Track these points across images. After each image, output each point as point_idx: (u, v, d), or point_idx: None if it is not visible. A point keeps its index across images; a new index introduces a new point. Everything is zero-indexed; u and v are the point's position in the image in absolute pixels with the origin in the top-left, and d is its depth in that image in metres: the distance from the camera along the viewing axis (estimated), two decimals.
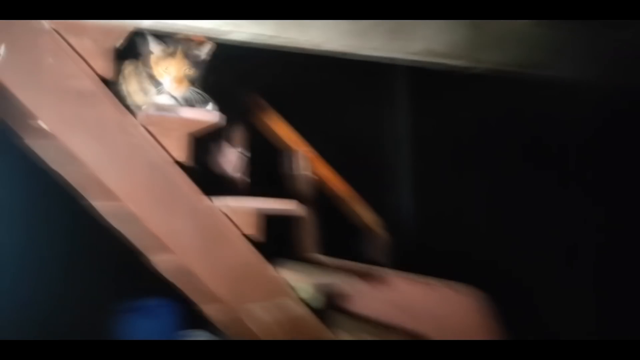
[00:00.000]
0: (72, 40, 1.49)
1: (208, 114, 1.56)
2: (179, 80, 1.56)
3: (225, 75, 2.06)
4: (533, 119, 2.64)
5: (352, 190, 2.85)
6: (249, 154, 2.40)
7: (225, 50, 1.55)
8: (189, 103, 1.58)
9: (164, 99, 1.55)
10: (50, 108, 1.45)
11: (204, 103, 1.61)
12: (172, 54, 1.56)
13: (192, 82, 1.59)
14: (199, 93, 1.58)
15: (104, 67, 1.54)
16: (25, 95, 1.43)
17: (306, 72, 2.78)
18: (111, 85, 1.56)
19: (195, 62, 1.58)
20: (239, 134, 2.43)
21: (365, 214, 2.94)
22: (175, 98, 1.56)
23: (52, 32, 1.45)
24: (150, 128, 1.57)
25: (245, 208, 1.66)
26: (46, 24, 1.44)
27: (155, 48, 1.57)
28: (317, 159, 2.73)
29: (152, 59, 1.57)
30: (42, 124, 1.46)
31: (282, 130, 2.57)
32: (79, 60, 1.49)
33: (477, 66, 1.66)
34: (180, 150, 1.63)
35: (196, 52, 1.59)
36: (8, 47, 1.40)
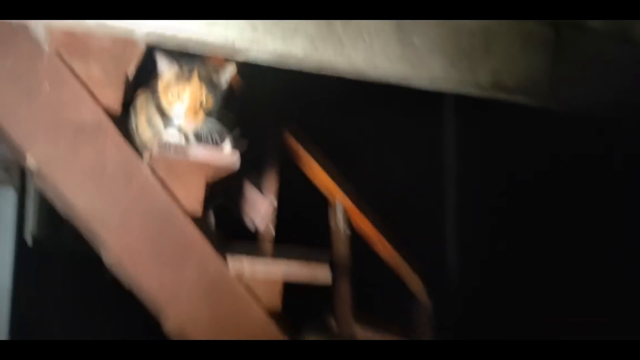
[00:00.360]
0: (76, 66, 1.28)
1: (224, 156, 1.29)
2: (194, 111, 1.27)
3: (250, 106, 1.83)
4: (625, 170, 2.27)
5: (395, 248, 2.50)
6: (277, 203, 2.12)
7: (251, 75, 1.29)
8: (203, 140, 1.31)
9: (172, 135, 1.29)
10: (41, 142, 1.23)
11: (222, 141, 1.34)
12: (186, 78, 1.28)
13: (209, 113, 1.30)
14: (215, 128, 1.31)
15: (112, 97, 1.32)
16: (14, 125, 1.22)
17: (344, 105, 2.50)
18: (118, 118, 1.34)
19: (213, 88, 1.30)
20: (269, 178, 2.16)
21: (409, 276, 2.57)
22: (185, 134, 1.30)
23: (52, 56, 1.25)
24: (158, 171, 1.32)
25: (265, 273, 1.36)
26: (46, 46, 1.24)
27: (166, 70, 1.30)
28: (356, 212, 2.41)
29: (162, 83, 1.31)
30: (30, 160, 1.23)
31: (317, 174, 2.27)
32: (81, 88, 1.27)
33: (557, 105, 1.35)
34: (192, 199, 1.36)
35: (215, 76, 1.31)
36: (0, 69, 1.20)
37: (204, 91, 1.28)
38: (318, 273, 1.39)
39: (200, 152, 1.24)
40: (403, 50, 1.13)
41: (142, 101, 1.37)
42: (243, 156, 1.69)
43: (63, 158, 1.24)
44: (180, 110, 1.28)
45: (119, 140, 1.29)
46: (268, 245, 2.12)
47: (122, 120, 1.37)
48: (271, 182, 2.17)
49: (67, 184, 1.24)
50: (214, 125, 1.29)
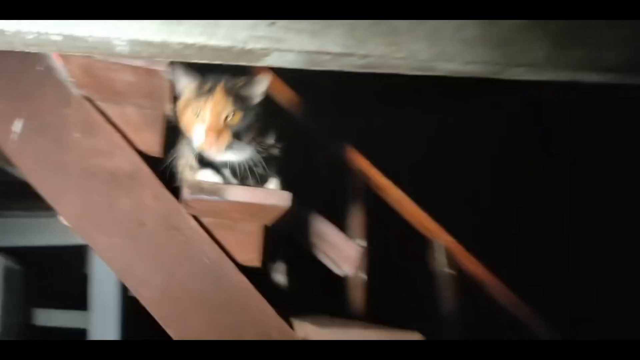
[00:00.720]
0: (109, 110, 1.15)
1: (271, 193, 1.05)
2: (216, 131, 1.01)
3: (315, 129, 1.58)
4: None
5: (513, 291, 2.08)
6: (365, 245, 1.84)
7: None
8: (242, 176, 1.08)
9: (206, 174, 1.08)
10: (71, 195, 1.09)
11: (266, 174, 1.10)
12: (208, 92, 1.04)
13: (238, 134, 1.05)
14: (251, 157, 1.09)
15: (150, 140, 1.17)
16: (42, 179, 1.09)
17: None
18: (160, 163, 1.18)
19: (243, 102, 1.05)
20: (354, 216, 1.89)
21: (534, 322, 2.12)
22: (219, 170, 1.08)
23: (82, 101, 1.13)
24: (204, 219, 1.13)
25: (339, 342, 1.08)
26: (75, 91, 1.12)
27: (186, 86, 1.09)
28: (462, 251, 2.05)
29: (181, 102, 1.09)
30: (61, 215, 1.10)
31: (409, 209, 1.97)
32: (114, 133, 1.13)
33: None
34: (246, 248, 1.15)
35: (246, 89, 1.08)
36: (26, 121, 1.09)
37: (229, 105, 1.03)
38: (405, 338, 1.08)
39: (240, 192, 1.01)
40: (481, 31, 0.82)
41: (183, 143, 1.20)
42: (318, 193, 1.46)
43: (94, 212, 1.09)
44: (200, 131, 1.03)
45: (158, 189, 1.12)
46: (359, 294, 1.85)
47: (164, 165, 1.21)
48: (357, 222, 1.91)
49: (100, 242, 1.08)
50: (246, 152, 1.06)
